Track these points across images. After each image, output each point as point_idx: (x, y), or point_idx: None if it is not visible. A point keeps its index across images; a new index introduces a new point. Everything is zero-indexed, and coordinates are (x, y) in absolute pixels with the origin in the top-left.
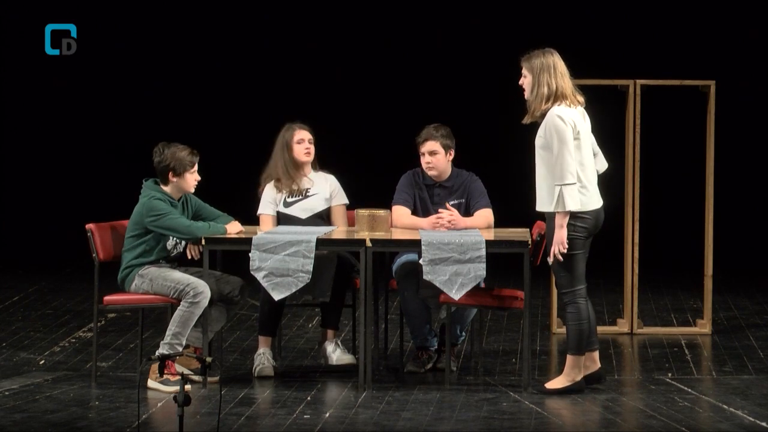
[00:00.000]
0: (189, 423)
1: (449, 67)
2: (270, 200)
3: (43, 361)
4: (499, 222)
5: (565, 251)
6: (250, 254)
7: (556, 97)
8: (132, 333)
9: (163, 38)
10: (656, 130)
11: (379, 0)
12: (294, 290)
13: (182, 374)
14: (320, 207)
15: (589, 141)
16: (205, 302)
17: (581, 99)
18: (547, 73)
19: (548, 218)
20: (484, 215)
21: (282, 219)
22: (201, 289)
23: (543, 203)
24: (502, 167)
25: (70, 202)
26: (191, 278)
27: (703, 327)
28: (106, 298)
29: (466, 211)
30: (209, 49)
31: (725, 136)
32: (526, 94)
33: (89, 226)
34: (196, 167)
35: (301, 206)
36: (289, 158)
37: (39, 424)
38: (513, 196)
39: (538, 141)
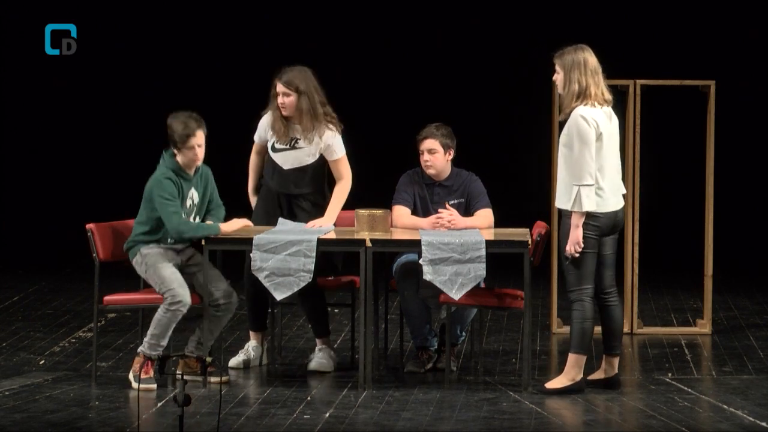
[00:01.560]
0: (189, 423)
1: (449, 67)
2: (262, 129)
3: (43, 361)
4: (499, 222)
5: (581, 250)
6: (251, 254)
7: (585, 95)
8: (132, 333)
9: (163, 38)
10: (656, 130)
11: (379, 0)
12: (296, 289)
13: (182, 374)
14: (305, 162)
15: (613, 143)
16: (180, 313)
17: (609, 98)
18: (577, 69)
19: (564, 215)
20: (484, 215)
21: (268, 163)
22: (179, 299)
23: (561, 200)
24: (501, 167)
25: (70, 202)
26: (174, 283)
27: (703, 327)
28: (106, 298)
29: (466, 210)
30: (209, 49)
31: (725, 136)
32: (559, 90)
33: (89, 226)
34: (191, 142)
35: (285, 156)
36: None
37: (39, 424)
38: (513, 196)
39: (563, 139)
